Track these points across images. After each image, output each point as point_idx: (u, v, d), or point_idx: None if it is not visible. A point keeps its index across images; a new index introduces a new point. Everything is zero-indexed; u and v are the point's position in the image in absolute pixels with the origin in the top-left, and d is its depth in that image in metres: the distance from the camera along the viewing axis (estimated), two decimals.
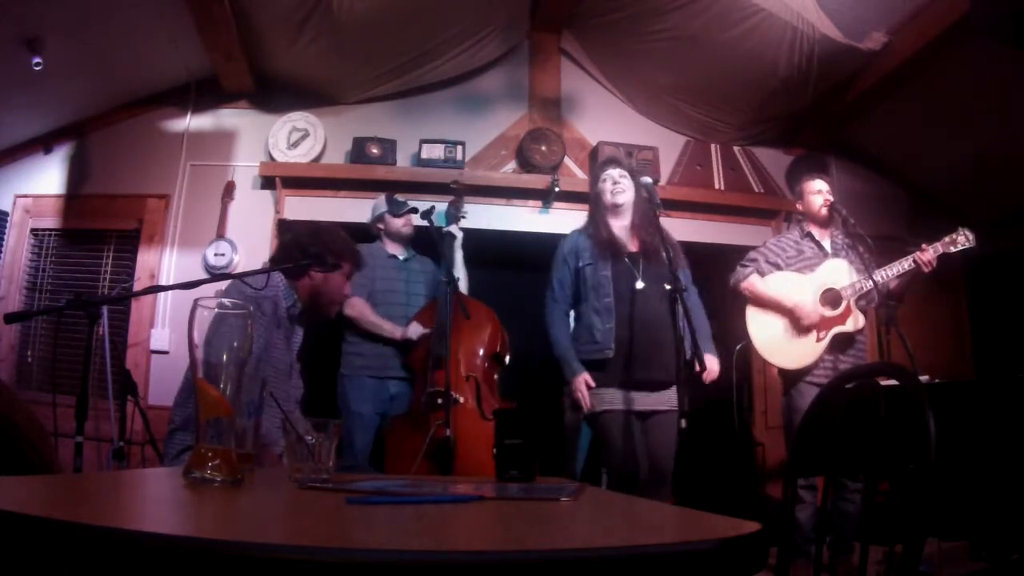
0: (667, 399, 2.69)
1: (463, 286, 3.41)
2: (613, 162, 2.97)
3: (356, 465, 3.03)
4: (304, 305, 2.23)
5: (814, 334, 2.97)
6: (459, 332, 3.10)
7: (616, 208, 2.82)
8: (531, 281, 4.10)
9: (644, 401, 2.69)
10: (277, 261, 2.26)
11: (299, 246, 2.21)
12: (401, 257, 3.46)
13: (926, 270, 2.87)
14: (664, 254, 2.62)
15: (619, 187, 2.81)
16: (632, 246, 2.81)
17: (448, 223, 3.48)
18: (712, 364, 2.71)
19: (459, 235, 3.44)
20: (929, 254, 2.86)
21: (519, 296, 3.81)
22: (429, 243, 3.39)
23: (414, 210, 3.45)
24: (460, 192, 3.56)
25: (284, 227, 2.30)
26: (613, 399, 2.69)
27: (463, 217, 3.51)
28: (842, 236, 3.16)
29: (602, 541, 0.63)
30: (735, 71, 3.86)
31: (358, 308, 3.22)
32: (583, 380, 2.70)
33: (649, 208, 2.76)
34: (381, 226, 3.46)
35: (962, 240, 2.88)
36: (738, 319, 3.18)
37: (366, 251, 3.31)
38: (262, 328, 2.05)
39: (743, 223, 4.33)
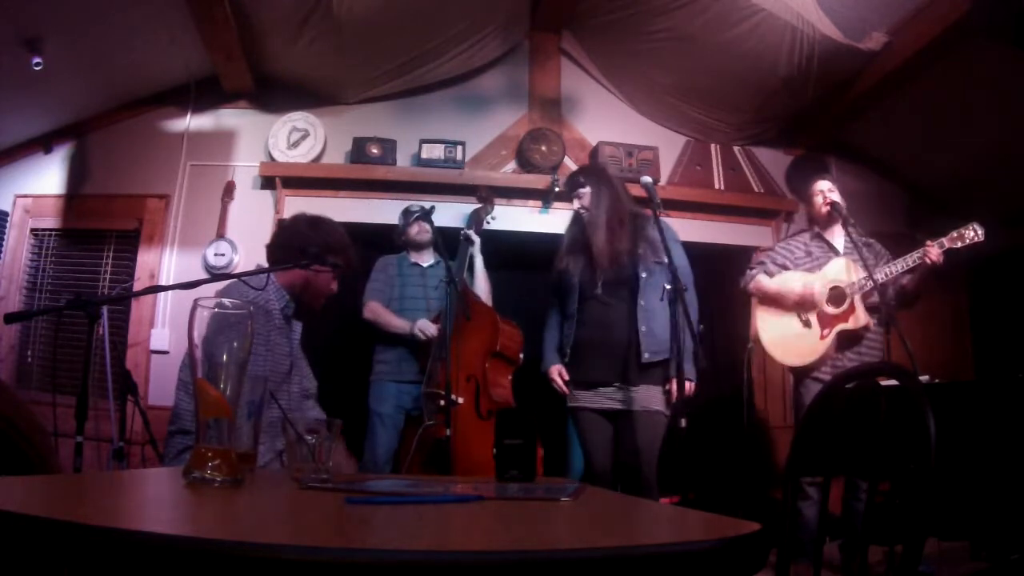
0: (642, 399, 2.66)
1: (483, 292, 3.42)
2: (570, 182, 2.97)
3: (370, 466, 3.08)
4: (292, 298, 2.23)
5: (818, 331, 2.98)
6: (459, 333, 3.10)
7: (584, 218, 2.86)
8: (531, 281, 4.11)
9: (614, 400, 2.70)
10: (275, 249, 2.28)
11: (299, 236, 2.23)
12: (425, 264, 3.51)
13: (933, 262, 2.82)
14: (641, 252, 2.68)
15: (582, 200, 2.84)
16: (600, 251, 2.81)
17: (469, 225, 3.50)
18: (685, 384, 2.64)
19: (477, 240, 3.45)
20: (935, 251, 2.83)
21: (519, 296, 3.82)
22: (452, 249, 3.41)
23: (424, 216, 3.49)
24: (487, 199, 3.59)
25: (282, 222, 2.42)
26: (583, 398, 2.77)
27: (489, 222, 3.55)
28: (856, 233, 3.13)
29: (602, 541, 0.63)
30: (735, 71, 3.85)
31: (374, 311, 3.32)
32: (556, 370, 2.82)
33: (617, 205, 2.80)
34: (404, 239, 3.55)
35: (970, 235, 2.82)
36: (745, 319, 3.22)
37: (388, 260, 3.49)
38: (263, 330, 2.05)
39: (743, 223, 4.33)
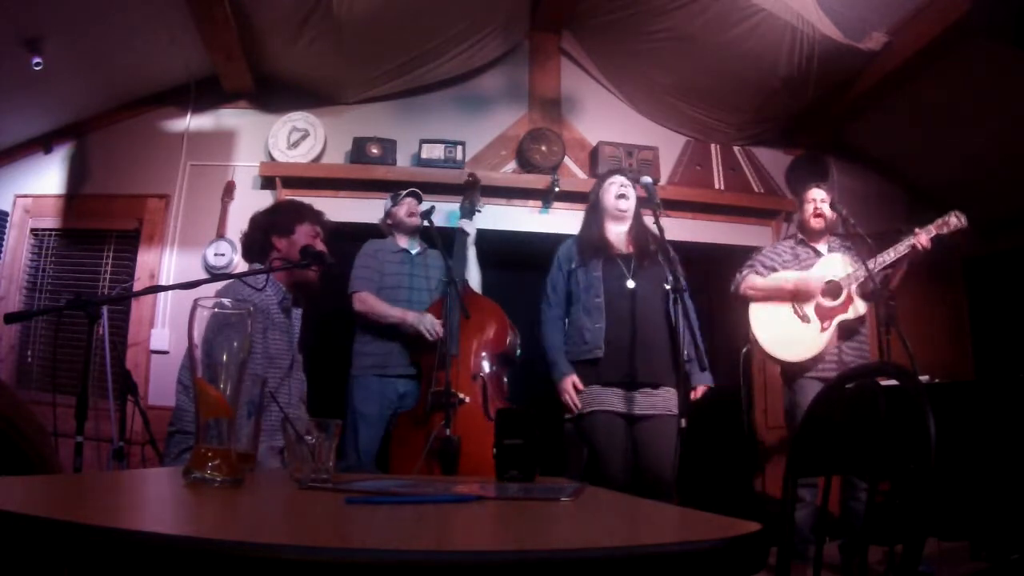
0: (663, 403, 2.64)
1: (475, 284, 3.39)
2: (619, 171, 3.03)
3: (354, 465, 3.03)
4: (287, 285, 2.22)
5: (818, 324, 2.99)
6: (465, 332, 3.08)
7: (620, 213, 2.84)
8: (531, 281, 4.09)
9: (636, 403, 2.64)
10: (244, 249, 2.32)
11: (258, 224, 2.26)
12: (412, 251, 3.45)
13: (924, 247, 2.91)
14: (661, 256, 2.63)
15: (625, 192, 2.84)
16: (625, 248, 2.82)
17: (461, 217, 3.46)
18: (700, 387, 2.71)
19: (472, 232, 3.42)
20: (924, 237, 2.92)
21: (519, 296, 3.81)
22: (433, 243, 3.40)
23: (414, 193, 3.45)
24: (475, 186, 3.52)
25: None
26: (602, 399, 2.66)
27: (479, 211, 3.49)
28: (839, 240, 3.19)
29: (602, 541, 0.63)
30: (735, 71, 3.85)
31: (367, 301, 3.20)
32: (570, 382, 2.70)
33: (647, 214, 2.79)
34: (390, 221, 3.48)
35: (954, 221, 2.93)
36: (741, 321, 3.20)
37: (377, 246, 3.39)
38: (259, 329, 2.05)
39: (743, 223, 4.33)
